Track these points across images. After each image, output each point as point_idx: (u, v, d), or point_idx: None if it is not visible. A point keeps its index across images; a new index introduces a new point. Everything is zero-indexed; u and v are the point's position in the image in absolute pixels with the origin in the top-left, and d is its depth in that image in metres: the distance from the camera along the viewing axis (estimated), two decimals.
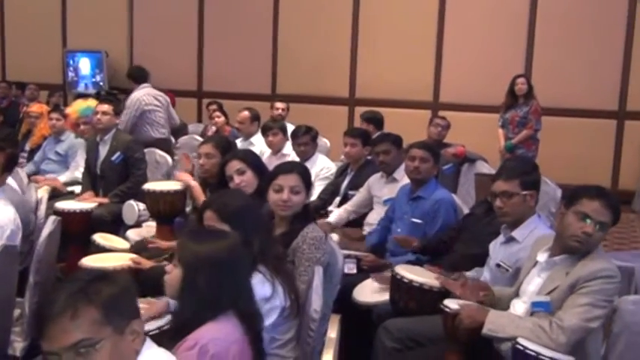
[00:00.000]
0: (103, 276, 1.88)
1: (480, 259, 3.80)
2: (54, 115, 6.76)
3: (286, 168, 3.60)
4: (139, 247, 4.40)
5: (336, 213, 5.34)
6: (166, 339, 2.06)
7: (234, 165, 4.02)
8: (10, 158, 3.79)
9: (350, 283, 4.00)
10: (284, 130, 6.49)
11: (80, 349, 1.74)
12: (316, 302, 2.76)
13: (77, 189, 6.12)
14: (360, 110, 8.75)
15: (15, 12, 12.33)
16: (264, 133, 6.53)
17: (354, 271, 4.30)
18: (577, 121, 9.75)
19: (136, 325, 1.86)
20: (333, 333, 2.68)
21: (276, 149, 6.44)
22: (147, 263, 3.68)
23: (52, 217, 3.94)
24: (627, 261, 4.72)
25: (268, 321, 2.74)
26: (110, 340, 1.78)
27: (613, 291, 2.88)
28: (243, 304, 2.39)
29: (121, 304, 1.83)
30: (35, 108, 7.52)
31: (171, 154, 7.08)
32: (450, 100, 10.26)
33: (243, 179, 3.98)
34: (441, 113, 8.83)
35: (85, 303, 1.76)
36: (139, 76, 7.79)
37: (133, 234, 5.04)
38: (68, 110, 6.71)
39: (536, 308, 2.94)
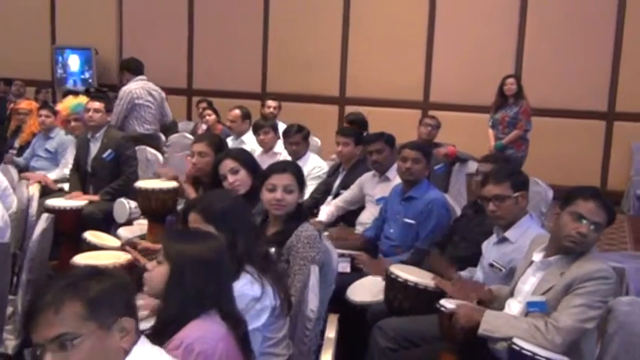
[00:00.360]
0: (96, 273, 1.90)
1: (472, 260, 3.81)
2: (43, 112, 6.73)
3: (279, 167, 3.60)
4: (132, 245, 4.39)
5: (325, 210, 5.31)
6: (150, 338, 2.04)
7: (228, 164, 4.01)
8: None
9: (343, 282, 3.99)
10: (275, 128, 6.48)
11: (63, 342, 1.76)
12: (313, 302, 2.75)
13: (67, 186, 6.09)
14: (350, 109, 8.78)
15: (3, 8, 12.24)
16: (256, 132, 6.52)
17: (348, 270, 4.30)
18: (566, 121, 9.78)
19: (127, 322, 1.85)
20: (331, 333, 2.67)
21: (268, 148, 6.44)
22: (143, 260, 3.66)
23: (45, 215, 3.92)
24: (617, 262, 4.75)
25: (260, 321, 2.74)
26: (94, 336, 1.79)
27: (608, 292, 2.89)
28: (226, 304, 2.39)
29: (109, 301, 1.83)
30: (24, 105, 7.46)
31: (160, 152, 7.04)
32: (440, 99, 10.28)
33: (237, 178, 3.97)
34: (431, 113, 8.84)
35: (70, 297, 1.78)
36: (134, 68, 7.55)
37: (124, 232, 5.03)
38: (59, 107, 6.65)
39: (531, 308, 2.95)
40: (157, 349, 1.95)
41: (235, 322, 2.36)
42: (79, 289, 1.80)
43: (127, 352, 1.85)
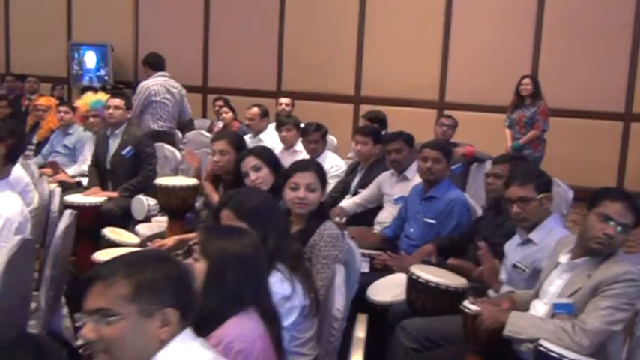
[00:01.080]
0: (159, 259, 1.94)
1: None
2: (62, 108, 6.77)
3: (302, 166, 3.61)
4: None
5: (345, 202, 5.37)
6: None
7: (250, 162, 4.01)
8: (12, 149, 3.67)
9: (362, 281, 3.97)
10: (297, 126, 6.47)
11: (101, 316, 1.80)
12: (339, 301, 2.74)
13: (84, 180, 6.12)
14: (365, 108, 8.75)
15: (20, 4, 12.31)
16: (278, 128, 6.53)
17: (367, 269, 4.29)
18: (583, 122, 9.75)
19: (171, 314, 1.85)
20: (361, 332, 2.66)
21: (289, 145, 6.44)
22: None
23: (69, 211, 3.93)
24: (638, 264, 4.72)
25: (289, 320, 2.73)
26: (131, 319, 1.81)
27: (635, 294, 2.87)
28: (264, 301, 2.39)
29: (156, 290, 1.84)
30: (43, 101, 7.48)
31: (177, 149, 7.05)
32: (456, 99, 10.25)
33: (259, 176, 3.97)
34: (447, 112, 8.82)
35: (121, 276, 1.82)
36: (155, 63, 7.61)
37: (143, 229, 5.04)
38: (78, 103, 6.69)
39: (558, 310, 2.94)
40: (197, 343, 1.94)
41: (272, 319, 2.37)
42: (132, 271, 1.84)
43: (163, 342, 1.85)
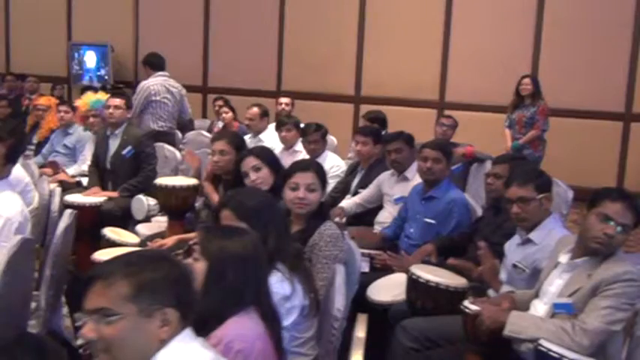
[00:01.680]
0: (159, 259, 1.94)
1: None
2: (62, 108, 6.78)
3: (302, 166, 3.61)
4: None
5: (347, 201, 5.39)
6: None
7: (250, 162, 4.00)
8: (12, 148, 3.67)
9: (363, 281, 3.97)
10: (297, 126, 6.47)
11: (102, 316, 1.80)
12: (339, 302, 2.74)
13: (85, 180, 6.12)
14: (365, 108, 8.75)
15: (20, 4, 12.31)
16: (279, 128, 6.53)
17: (367, 269, 4.29)
18: (583, 122, 9.73)
19: (171, 314, 1.86)
20: (361, 332, 2.66)
21: (289, 145, 6.44)
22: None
23: (69, 211, 3.92)
24: (638, 264, 4.72)
25: (289, 320, 2.74)
26: (131, 319, 1.81)
27: (635, 294, 2.87)
28: (264, 301, 2.40)
29: (156, 290, 1.84)
30: (43, 100, 7.50)
31: (177, 149, 7.05)
32: (456, 99, 10.24)
33: (259, 176, 3.96)
34: (447, 112, 8.82)
35: (121, 276, 1.83)
36: (154, 63, 7.60)
37: (143, 229, 5.04)
38: (78, 103, 6.68)
39: (558, 310, 2.94)
40: (197, 343, 1.94)
41: (272, 319, 2.37)
42: (132, 271, 1.84)
43: (163, 342, 1.85)
